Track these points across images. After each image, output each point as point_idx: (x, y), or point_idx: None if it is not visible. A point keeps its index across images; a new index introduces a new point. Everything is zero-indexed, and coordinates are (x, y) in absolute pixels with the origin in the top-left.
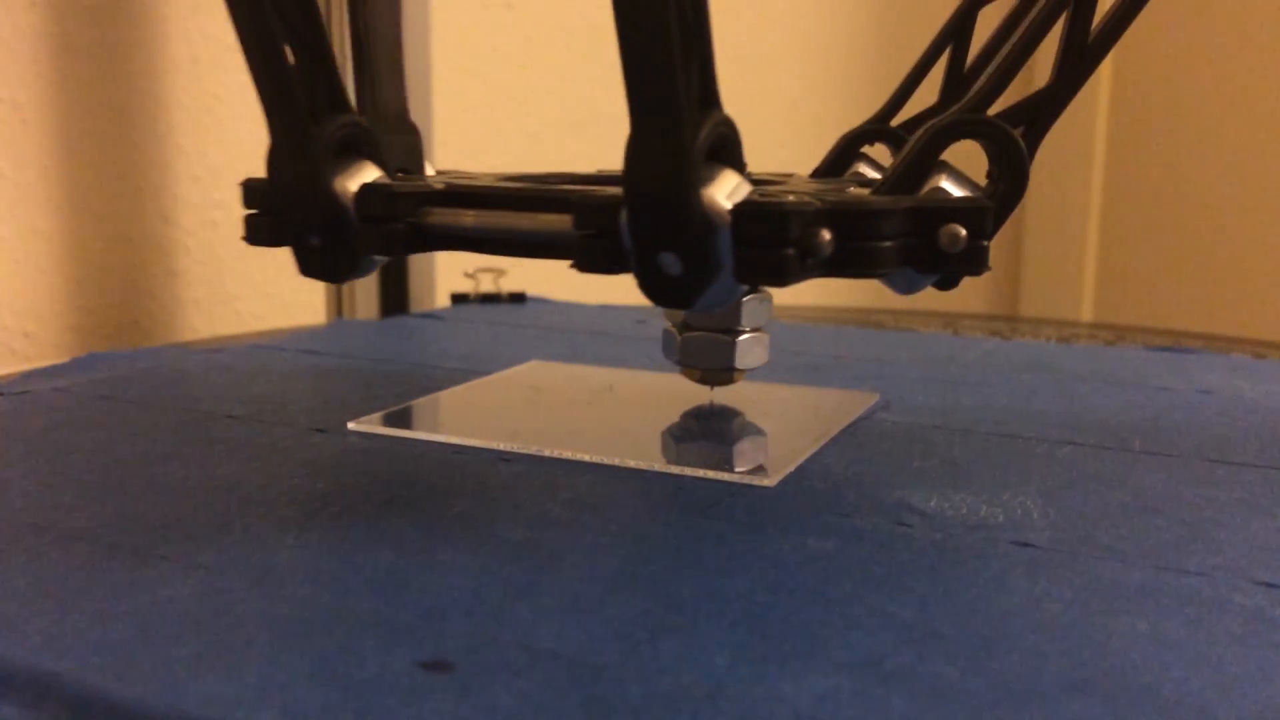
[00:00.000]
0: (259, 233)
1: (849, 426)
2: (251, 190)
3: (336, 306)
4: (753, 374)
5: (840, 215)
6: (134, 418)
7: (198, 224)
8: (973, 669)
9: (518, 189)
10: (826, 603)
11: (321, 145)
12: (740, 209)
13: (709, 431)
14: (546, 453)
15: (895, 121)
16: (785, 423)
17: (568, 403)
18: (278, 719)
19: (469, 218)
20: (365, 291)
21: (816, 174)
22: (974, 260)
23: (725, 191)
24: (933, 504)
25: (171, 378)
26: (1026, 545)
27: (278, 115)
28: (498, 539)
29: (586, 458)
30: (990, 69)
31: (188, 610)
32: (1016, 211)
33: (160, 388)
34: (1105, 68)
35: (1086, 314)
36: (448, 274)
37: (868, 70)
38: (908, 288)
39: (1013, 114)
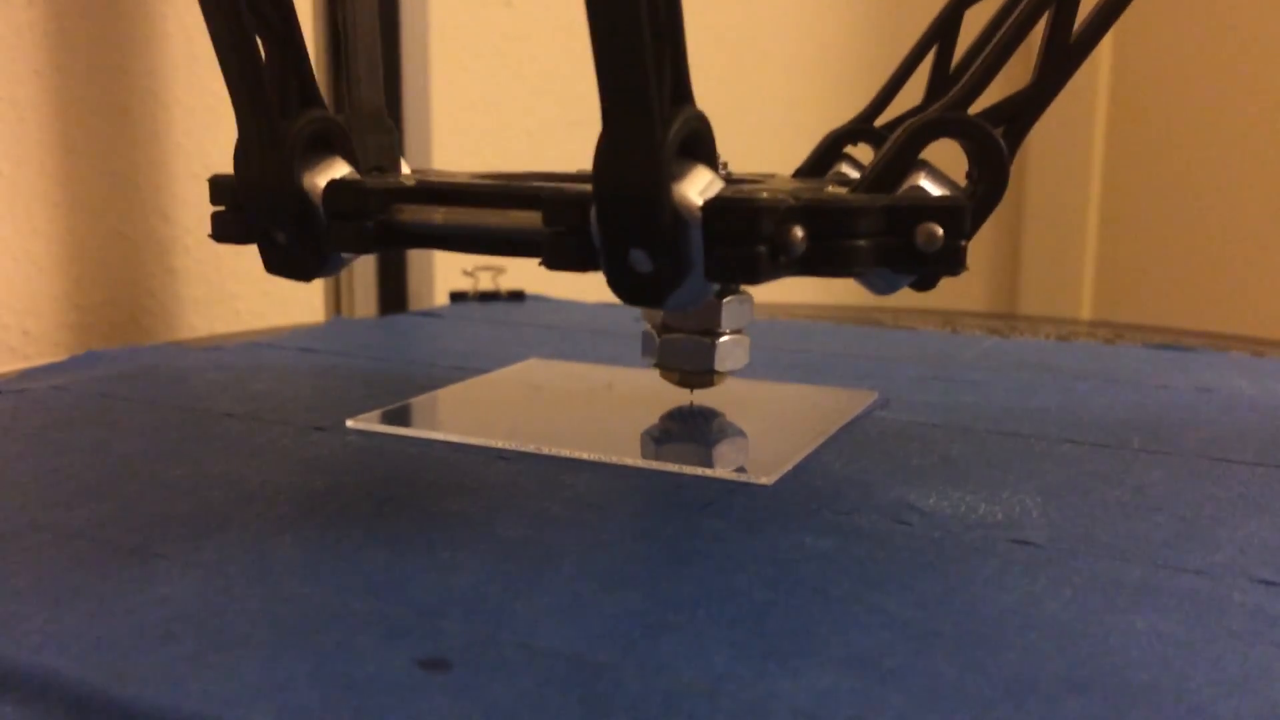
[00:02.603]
0: (226, 229)
1: (847, 425)
2: (219, 186)
3: (335, 304)
4: (751, 372)
5: (814, 213)
6: (132, 416)
7: (196, 222)
8: (971, 667)
9: (488, 186)
10: (825, 601)
11: (291, 139)
12: (711, 205)
13: (708, 430)
14: (545, 451)
15: (880, 122)
16: (783, 421)
17: (566, 401)
18: (276, 717)
19: (439, 215)
20: (364, 289)
21: (799, 173)
22: (951, 260)
23: (697, 188)
24: (931, 502)
25: (170, 376)
26: (1025, 543)
27: (247, 108)
28: (496, 537)
29: (585, 456)
30: (972, 68)
31: (186, 608)
32: (1015, 210)
33: (159, 386)
34: (1104, 66)
35: (1085, 312)
36: (446, 272)
37: (865, 71)
38: (884, 288)
39: (993, 113)
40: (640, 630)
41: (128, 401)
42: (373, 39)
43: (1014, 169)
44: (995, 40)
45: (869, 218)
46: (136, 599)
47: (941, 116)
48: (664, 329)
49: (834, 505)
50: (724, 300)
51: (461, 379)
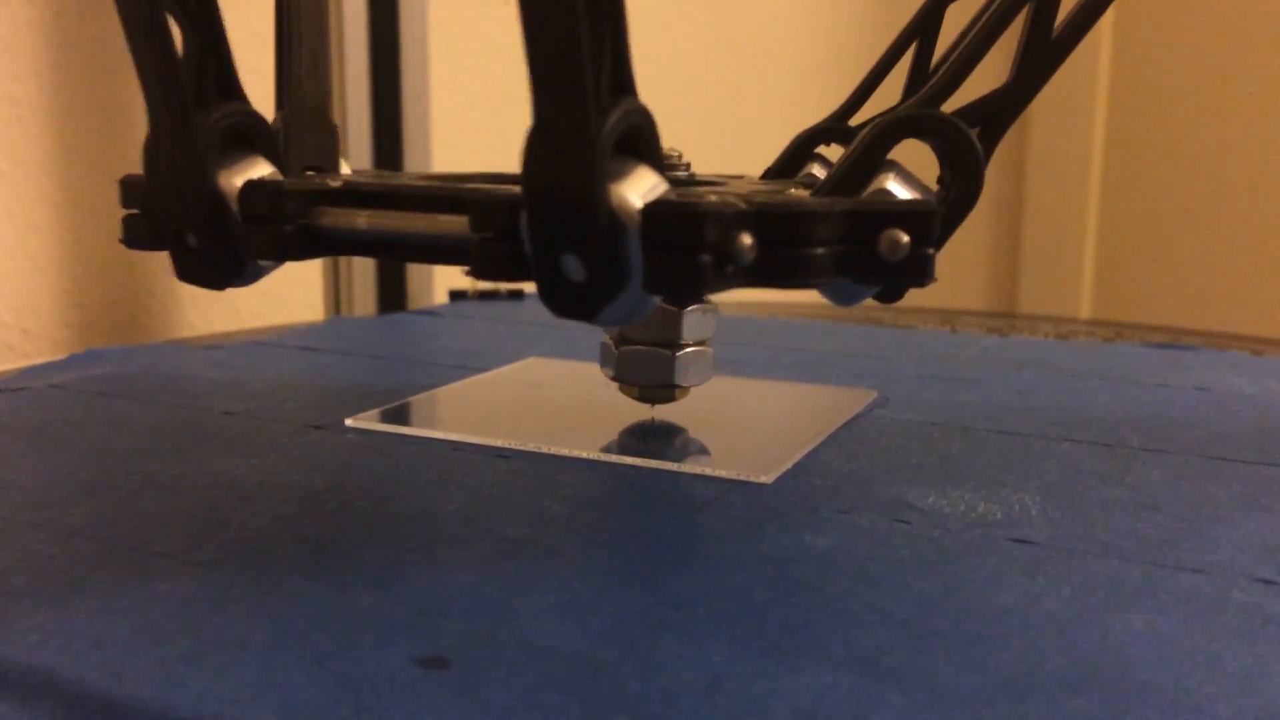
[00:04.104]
0: (136, 233)
1: (847, 424)
2: (130, 187)
3: (334, 303)
4: (750, 371)
5: (767, 218)
6: (131, 414)
7: None
8: (970, 666)
9: (416, 188)
10: (824, 599)
11: (205, 134)
12: (651, 209)
13: (708, 429)
14: (544, 449)
15: (856, 121)
16: (783, 420)
17: (565, 399)
18: (275, 716)
19: (363, 219)
20: (363, 288)
21: (768, 175)
22: (918, 270)
23: (637, 189)
24: (930, 501)
25: (169, 374)
26: (1024, 542)
27: (158, 99)
28: (495, 536)
29: (584, 455)
30: (947, 62)
31: (185, 607)
32: (1015, 209)
33: (158, 384)
34: (1104, 65)
35: (1085, 311)
36: (446, 270)
37: (861, 70)
38: (846, 299)
39: (969, 113)
40: (639, 629)
41: (127, 400)
42: (319, 29)
43: (1013, 168)
44: (972, 34)
45: (827, 223)
46: (135, 597)
47: (912, 114)
48: (622, 340)
49: (833, 504)
50: (685, 310)
51: (461, 378)
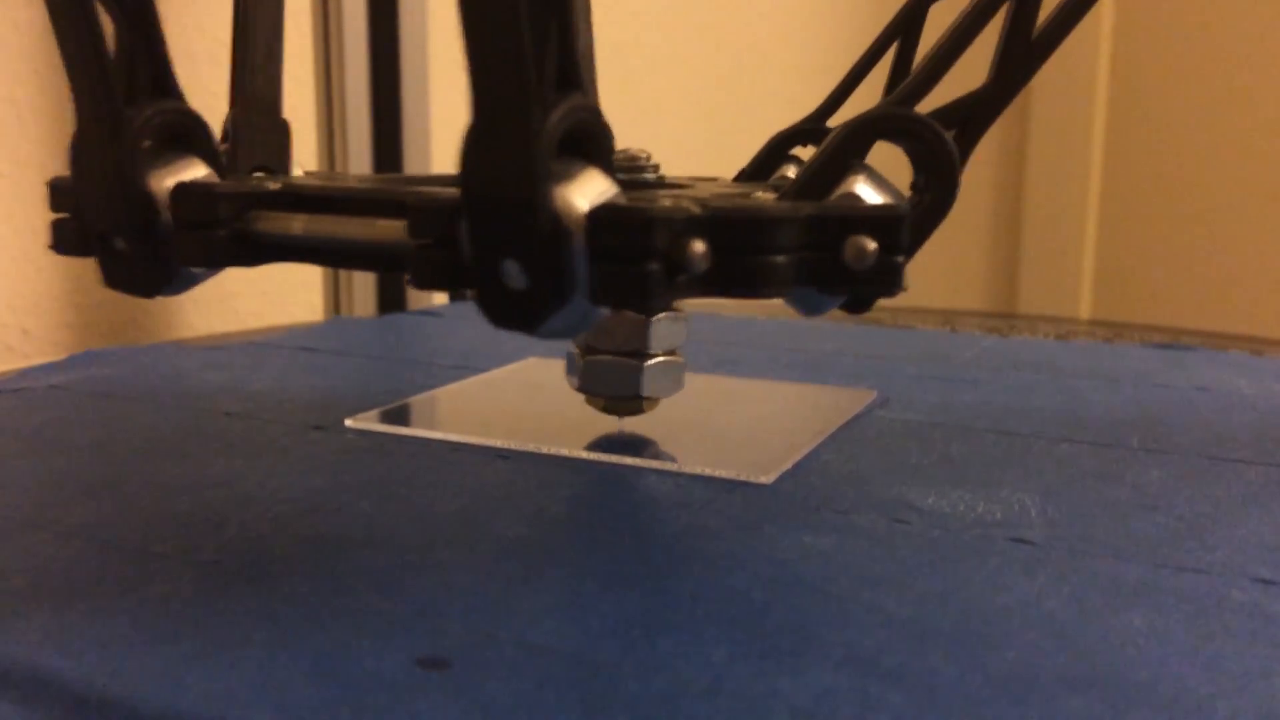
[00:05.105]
0: (64, 238)
1: (846, 424)
2: (59, 191)
3: (334, 304)
4: (750, 371)
5: (722, 223)
6: (131, 415)
7: None
8: (970, 666)
9: (357, 190)
10: (824, 599)
11: (135, 132)
12: (597, 214)
13: (707, 429)
14: (544, 450)
15: (834, 121)
16: (782, 420)
17: (565, 400)
18: (274, 716)
19: (299, 224)
20: (363, 289)
21: (741, 177)
22: (885, 279)
23: (584, 192)
24: (930, 501)
25: (169, 375)
26: (1024, 542)
27: (85, 94)
28: (495, 536)
29: (584, 455)
30: (922, 60)
31: (185, 607)
32: (1014, 208)
33: (158, 385)
34: (1104, 64)
35: (1085, 311)
36: None
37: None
38: (811, 308)
39: (944, 115)
40: (639, 629)
41: (127, 401)
42: (275, 24)
43: (1013, 168)
44: (949, 31)
45: (788, 229)
46: (135, 597)
47: (885, 113)
48: (588, 350)
49: (833, 504)
50: (653, 319)
51: (461, 378)
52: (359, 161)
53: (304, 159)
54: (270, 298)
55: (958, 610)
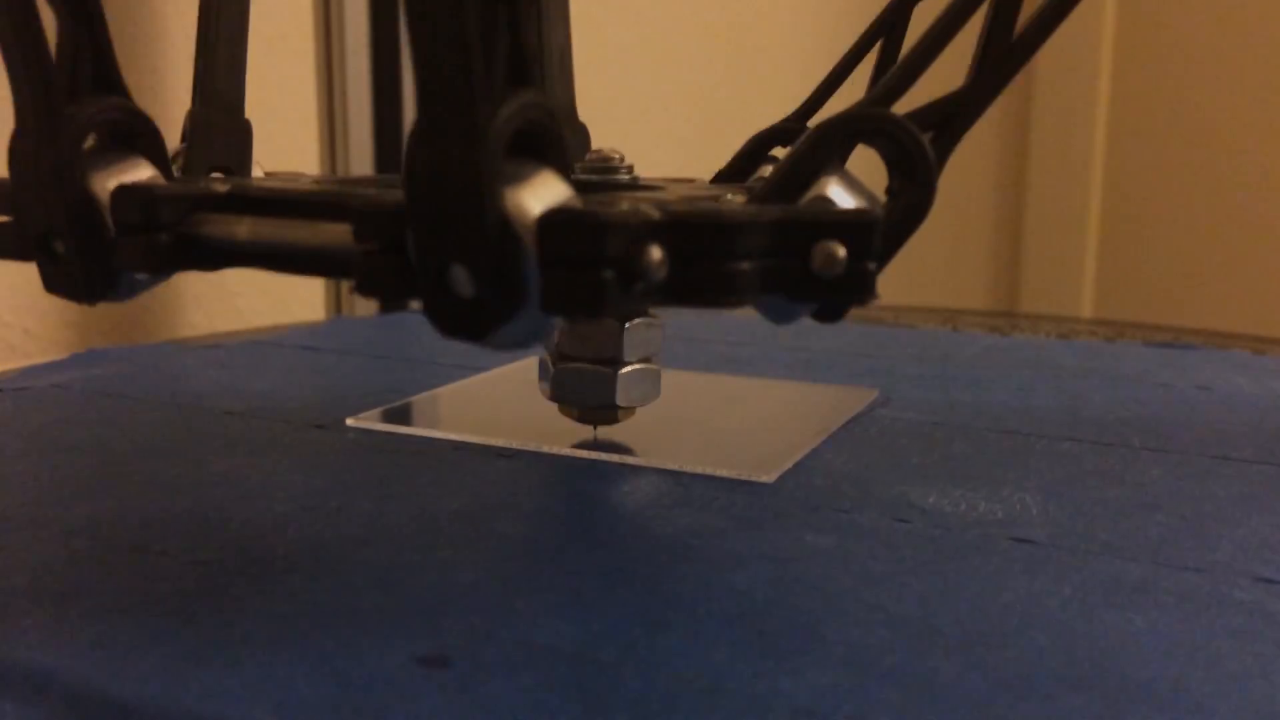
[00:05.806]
0: (1, 242)
1: (848, 423)
2: None
3: (336, 303)
4: (751, 370)
5: (681, 229)
6: (133, 414)
7: None
8: (971, 665)
9: (306, 193)
10: (825, 598)
11: (76, 129)
12: (549, 219)
13: (708, 428)
14: (545, 449)
15: (815, 122)
16: (784, 419)
17: None
18: (275, 714)
19: (244, 228)
20: None
21: (719, 178)
22: (856, 287)
23: (536, 195)
24: (931, 500)
25: (171, 374)
26: (1025, 541)
27: (24, 89)
28: (496, 535)
29: (585, 454)
30: (899, 60)
31: (186, 606)
32: (1016, 207)
33: (159, 384)
34: (1106, 64)
35: (1086, 310)
36: None
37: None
38: (780, 317)
39: (922, 116)
40: (640, 628)
41: (128, 399)
42: (240, 22)
43: (1015, 167)
44: (928, 30)
45: (753, 235)
46: (136, 596)
47: (858, 113)
48: (560, 357)
49: (834, 503)
50: (628, 325)
51: (462, 377)
52: (360, 162)
53: (304, 159)
54: (272, 297)
55: (958, 609)
